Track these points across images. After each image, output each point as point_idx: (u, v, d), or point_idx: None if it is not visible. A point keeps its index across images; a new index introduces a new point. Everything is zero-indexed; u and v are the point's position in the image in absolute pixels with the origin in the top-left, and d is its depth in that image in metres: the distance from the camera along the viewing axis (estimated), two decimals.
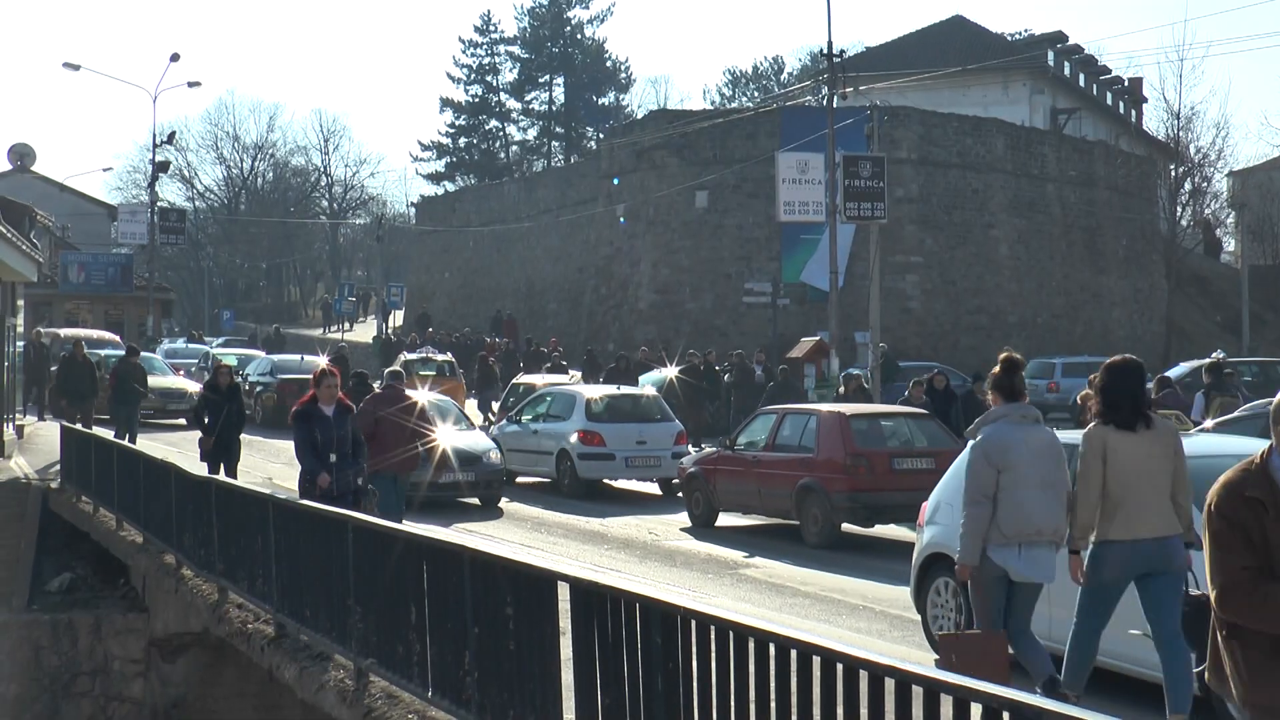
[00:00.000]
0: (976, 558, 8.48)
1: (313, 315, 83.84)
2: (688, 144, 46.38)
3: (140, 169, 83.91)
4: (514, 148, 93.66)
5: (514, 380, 31.65)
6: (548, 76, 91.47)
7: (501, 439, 23.82)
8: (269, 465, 24.70)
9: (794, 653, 5.15)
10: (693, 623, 5.70)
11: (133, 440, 22.90)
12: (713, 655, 5.58)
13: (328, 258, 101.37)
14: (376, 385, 18.08)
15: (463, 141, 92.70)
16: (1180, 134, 51.53)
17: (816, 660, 5.02)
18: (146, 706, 16.15)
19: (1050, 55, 61.27)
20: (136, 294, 54.61)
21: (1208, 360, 20.61)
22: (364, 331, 65.26)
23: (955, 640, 8.36)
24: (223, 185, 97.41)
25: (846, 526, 17.55)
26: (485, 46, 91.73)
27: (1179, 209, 52.68)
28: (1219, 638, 4.94)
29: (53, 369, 30.38)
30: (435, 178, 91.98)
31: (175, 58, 52.55)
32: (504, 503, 21.71)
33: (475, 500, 21.41)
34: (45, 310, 51.90)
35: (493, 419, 30.52)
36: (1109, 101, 69.57)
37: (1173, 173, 52.99)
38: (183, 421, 30.56)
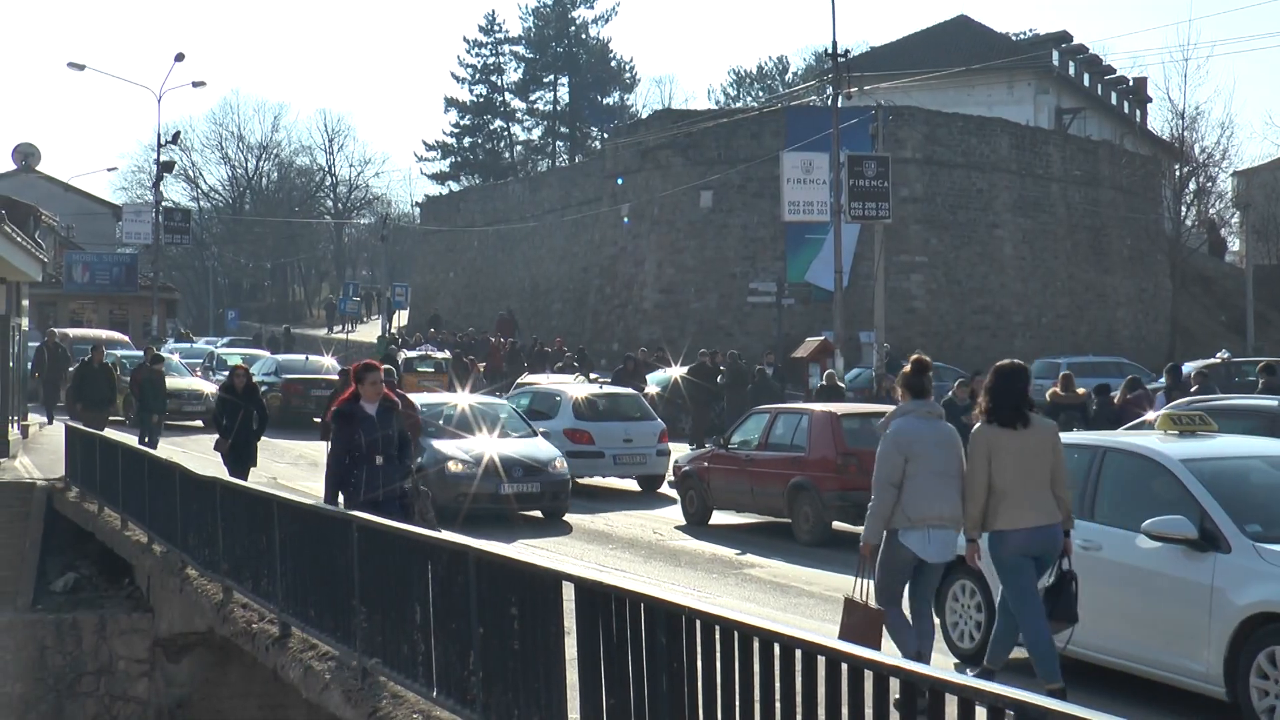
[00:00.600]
0: (878, 538, 9.16)
1: (317, 315, 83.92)
2: (692, 144, 46.39)
3: (145, 169, 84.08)
4: (518, 147, 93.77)
5: (518, 380, 31.67)
6: (552, 76, 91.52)
7: None
8: (274, 465, 24.70)
9: (799, 653, 5.15)
10: (697, 623, 5.71)
11: (153, 447, 22.56)
12: (717, 655, 5.59)
13: (332, 258, 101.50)
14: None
15: (467, 141, 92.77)
16: (1185, 134, 51.58)
17: (821, 660, 5.02)
18: (151, 706, 16.17)
19: (1055, 55, 61.23)
20: (141, 294, 54.71)
21: (1212, 359, 20.86)
22: (368, 331, 65.29)
23: (855, 607, 8.97)
24: (227, 185, 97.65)
25: (837, 524, 17.61)
26: (490, 46, 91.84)
27: (1184, 209, 52.67)
28: None
29: (70, 369, 30.03)
30: (440, 177, 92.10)
31: (180, 57, 52.61)
32: None
33: (537, 513, 19.55)
34: (50, 310, 51.98)
35: None
36: (1114, 101, 69.54)
37: (1177, 172, 52.99)
38: (199, 424, 30.48)
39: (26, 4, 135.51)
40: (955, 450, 9.19)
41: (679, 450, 23.06)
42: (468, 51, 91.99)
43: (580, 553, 16.65)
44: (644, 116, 72.39)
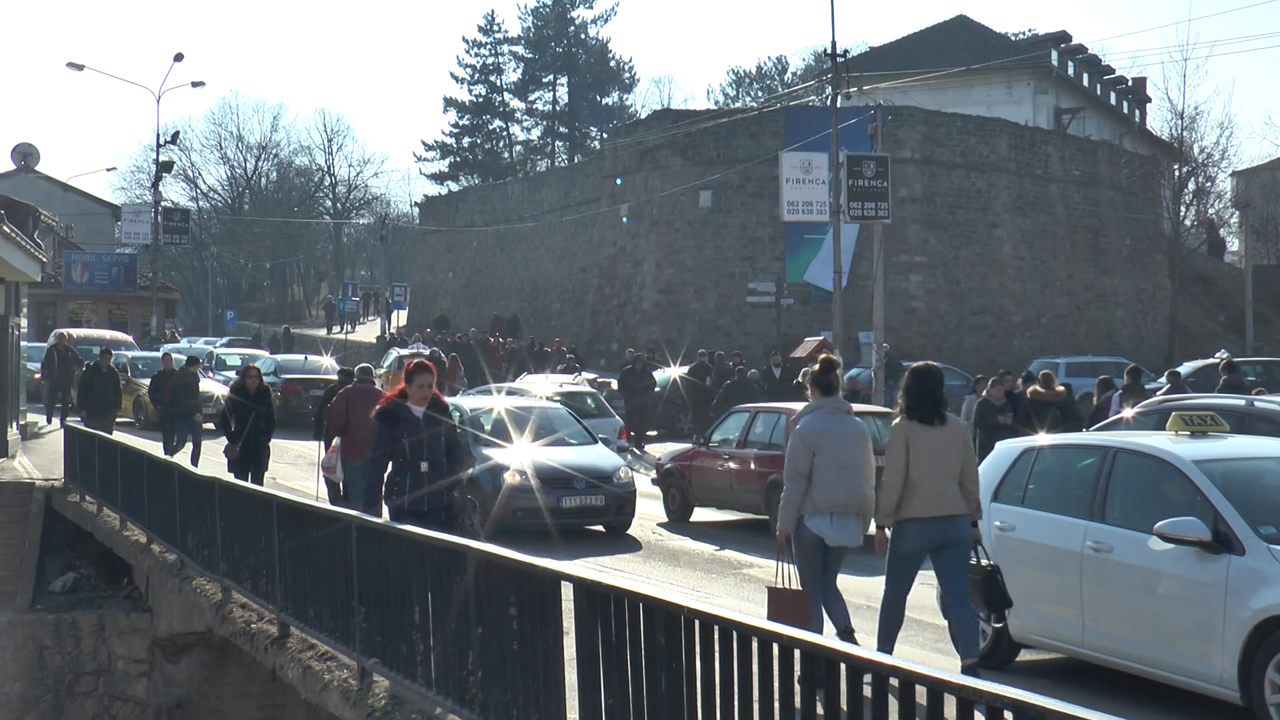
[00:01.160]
0: (792, 526, 9.85)
1: (316, 315, 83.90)
2: (691, 144, 46.39)
3: (144, 169, 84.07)
4: (517, 148, 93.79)
5: (506, 383, 31.64)
6: (551, 76, 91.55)
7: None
8: (274, 465, 24.60)
9: (798, 653, 5.15)
10: (696, 622, 5.70)
11: (195, 458, 21.74)
12: (716, 655, 5.58)
13: (331, 258, 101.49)
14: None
15: (466, 141, 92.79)
16: (1184, 134, 51.52)
17: (821, 661, 5.02)
18: (150, 706, 16.17)
19: (1054, 55, 61.22)
20: (140, 294, 54.73)
21: (1211, 360, 20.86)
22: (367, 332, 65.25)
23: (779, 593, 9.52)
24: (226, 185, 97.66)
25: None
26: (489, 46, 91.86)
27: (1183, 209, 52.62)
28: None
29: (79, 371, 29.81)
30: (439, 178, 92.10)
31: (179, 57, 52.65)
32: None
33: (599, 528, 18.26)
34: (49, 310, 52.00)
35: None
36: (1113, 101, 69.53)
37: (1176, 172, 52.96)
38: (210, 426, 30.37)
39: (26, 4, 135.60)
40: (862, 444, 9.88)
41: (679, 450, 23.05)
42: (467, 51, 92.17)
43: (663, 575, 15.49)
44: (643, 116, 72.38)
